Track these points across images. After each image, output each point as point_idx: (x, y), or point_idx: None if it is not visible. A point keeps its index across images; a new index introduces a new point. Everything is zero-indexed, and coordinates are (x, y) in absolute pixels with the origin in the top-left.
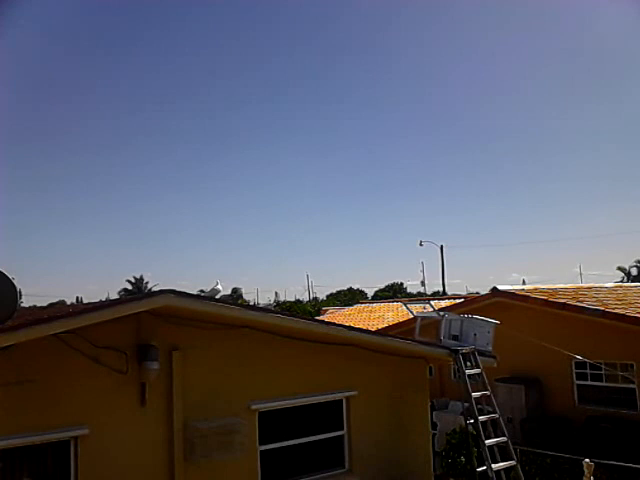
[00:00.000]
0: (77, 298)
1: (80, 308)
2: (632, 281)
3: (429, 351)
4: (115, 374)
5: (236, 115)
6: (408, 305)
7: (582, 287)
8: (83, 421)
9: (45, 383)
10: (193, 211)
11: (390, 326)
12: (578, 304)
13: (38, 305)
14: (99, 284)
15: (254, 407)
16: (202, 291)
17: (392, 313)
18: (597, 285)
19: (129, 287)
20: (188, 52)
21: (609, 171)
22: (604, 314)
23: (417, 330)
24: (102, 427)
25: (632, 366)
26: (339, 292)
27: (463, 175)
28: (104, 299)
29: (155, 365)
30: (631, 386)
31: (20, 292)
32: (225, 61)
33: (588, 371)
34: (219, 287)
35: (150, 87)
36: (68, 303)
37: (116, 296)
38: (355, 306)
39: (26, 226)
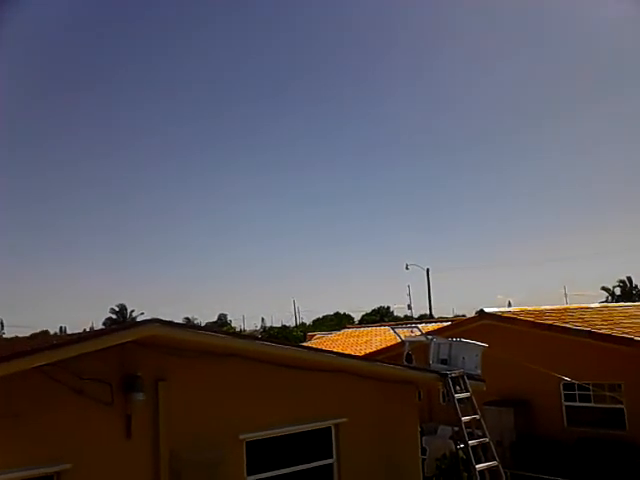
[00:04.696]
0: (61, 328)
1: (64, 339)
2: (616, 301)
3: (418, 376)
4: (100, 406)
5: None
6: (396, 329)
7: (569, 308)
8: (67, 455)
9: (28, 417)
10: (175, 237)
11: (378, 351)
12: (565, 325)
13: (20, 336)
14: (84, 313)
15: (242, 437)
16: (187, 319)
17: (379, 337)
18: (583, 306)
19: (114, 316)
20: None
21: (590, 194)
22: (590, 334)
23: (405, 355)
24: (86, 461)
25: (619, 386)
26: (325, 317)
27: (448, 196)
28: (88, 329)
29: (141, 396)
30: (619, 406)
31: (2, 323)
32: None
33: (576, 392)
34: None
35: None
36: (52, 333)
37: (101, 326)
38: (342, 331)
39: (6, 253)
